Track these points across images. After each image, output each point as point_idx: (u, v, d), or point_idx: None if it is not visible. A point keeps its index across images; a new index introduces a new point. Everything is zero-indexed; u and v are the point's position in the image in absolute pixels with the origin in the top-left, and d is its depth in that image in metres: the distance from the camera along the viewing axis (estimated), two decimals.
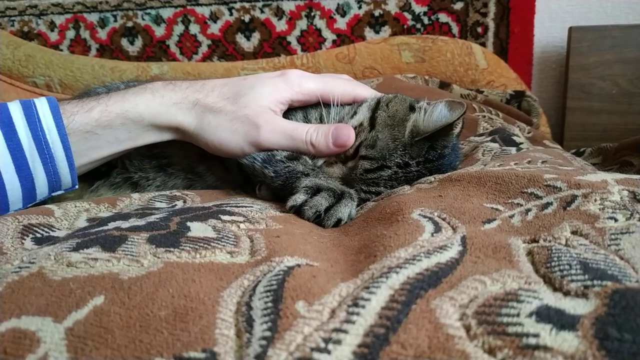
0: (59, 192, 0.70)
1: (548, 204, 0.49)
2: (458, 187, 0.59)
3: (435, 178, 0.64)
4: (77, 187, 0.70)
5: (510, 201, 0.51)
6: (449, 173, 0.65)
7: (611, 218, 0.43)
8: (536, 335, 0.27)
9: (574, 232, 0.42)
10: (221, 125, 0.72)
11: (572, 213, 0.45)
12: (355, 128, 0.72)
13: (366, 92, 0.81)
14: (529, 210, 0.48)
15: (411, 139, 0.70)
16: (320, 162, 0.73)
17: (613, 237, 0.40)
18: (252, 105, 0.72)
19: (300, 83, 0.75)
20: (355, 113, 0.75)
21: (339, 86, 0.78)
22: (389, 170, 0.69)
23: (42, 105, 0.65)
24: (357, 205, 0.65)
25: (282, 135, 0.71)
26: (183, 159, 0.84)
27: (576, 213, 0.45)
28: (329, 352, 0.28)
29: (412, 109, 0.75)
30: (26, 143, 0.63)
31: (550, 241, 0.40)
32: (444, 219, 0.48)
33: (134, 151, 0.79)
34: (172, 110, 0.72)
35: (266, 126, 0.71)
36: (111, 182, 0.84)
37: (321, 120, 0.77)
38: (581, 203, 0.47)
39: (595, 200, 0.47)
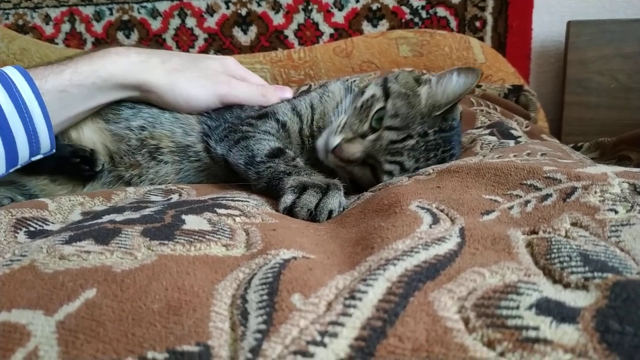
0: (39, 156, 0.72)
1: (547, 196, 0.48)
2: (456, 179, 0.58)
3: (433, 169, 0.64)
4: (54, 150, 0.74)
5: (509, 192, 0.51)
6: (447, 164, 0.65)
7: (611, 210, 0.43)
8: (536, 328, 0.27)
9: (573, 224, 0.41)
10: (191, 80, 0.84)
11: (572, 205, 0.45)
12: (366, 101, 0.77)
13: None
14: (528, 201, 0.48)
15: (430, 111, 0.74)
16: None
17: (613, 228, 0.39)
18: (212, 68, 0.88)
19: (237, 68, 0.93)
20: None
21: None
22: (412, 140, 0.72)
23: (11, 72, 0.68)
24: (384, 176, 0.73)
25: (242, 89, 0.88)
26: (171, 141, 0.85)
27: (576, 205, 0.45)
28: (325, 345, 0.28)
29: (417, 81, 0.79)
30: (5, 103, 0.65)
31: (549, 233, 0.40)
32: (442, 211, 0.47)
33: (124, 146, 0.82)
34: (139, 67, 0.81)
35: (228, 82, 0.88)
36: (103, 182, 0.83)
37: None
38: (581, 195, 0.46)
39: (596, 192, 0.46)
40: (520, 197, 0.50)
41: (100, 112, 0.84)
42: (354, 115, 0.77)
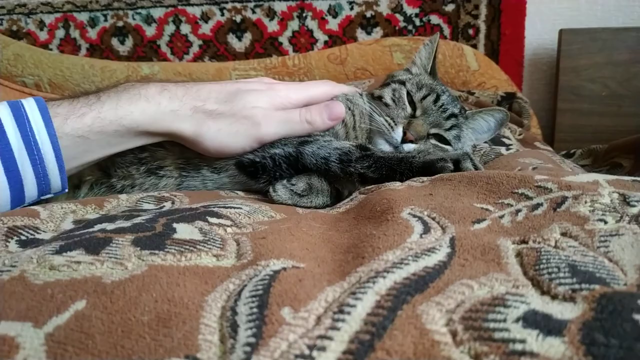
0: (49, 196, 0.68)
1: (538, 205, 0.48)
2: (449, 186, 0.58)
3: (427, 177, 0.64)
4: (66, 190, 0.70)
5: (500, 201, 0.51)
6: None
7: (601, 220, 0.43)
8: (523, 341, 0.27)
9: (563, 234, 0.41)
10: (222, 129, 0.75)
11: (562, 214, 0.45)
12: (394, 94, 0.90)
13: (346, 88, 0.91)
14: (519, 210, 0.48)
15: (428, 74, 0.98)
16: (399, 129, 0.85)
17: (602, 239, 0.40)
18: (249, 107, 0.76)
19: (288, 95, 0.80)
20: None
21: (319, 88, 0.85)
22: (444, 95, 0.91)
23: (30, 106, 0.64)
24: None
25: (279, 123, 0.77)
26: (176, 159, 0.84)
27: (566, 214, 0.45)
28: (313, 359, 0.28)
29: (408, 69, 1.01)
30: (15, 143, 0.62)
31: (539, 242, 0.40)
32: (433, 219, 0.47)
33: (119, 158, 0.79)
34: (169, 117, 0.73)
35: (265, 121, 0.76)
36: (95, 193, 0.83)
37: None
38: (571, 204, 0.47)
39: (586, 202, 0.47)
40: (512, 205, 0.50)
41: None
42: (392, 109, 0.87)
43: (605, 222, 0.43)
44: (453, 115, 0.89)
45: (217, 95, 0.76)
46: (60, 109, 0.67)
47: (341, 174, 0.72)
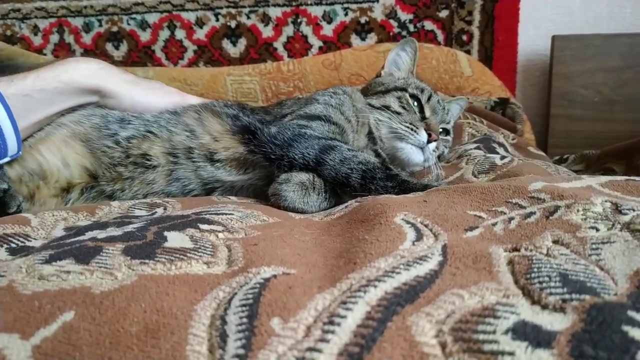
0: (6, 160, 0.75)
1: (531, 213, 0.48)
2: (443, 194, 0.58)
3: None
4: (20, 153, 0.78)
5: (494, 209, 0.51)
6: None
7: (593, 228, 0.43)
8: (511, 354, 0.27)
9: (555, 241, 0.41)
10: (147, 90, 0.95)
11: (554, 222, 0.45)
12: (400, 101, 0.99)
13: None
14: (512, 218, 0.48)
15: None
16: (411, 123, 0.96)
17: (594, 246, 0.40)
18: (158, 84, 1.01)
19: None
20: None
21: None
22: (435, 94, 1.03)
23: None
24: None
25: (190, 98, 1.00)
26: (164, 145, 0.85)
27: (558, 222, 0.45)
28: None
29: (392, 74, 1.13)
30: None
31: (531, 250, 0.40)
32: (426, 226, 0.47)
33: (105, 158, 0.83)
34: (101, 74, 0.88)
35: (178, 92, 1.01)
36: (86, 198, 0.83)
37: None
38: (564, 213, 0.47)
39: (578, 210, 0.47)
40: (505, 213, 0.50)
41: (79, 135, 0.85)
42: (406, 115, 0.96)
43: (597, 230, 0.43)
44: (447, 109, 1.04)
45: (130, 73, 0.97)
46: (4, 77, 0.78)
47: (359, 189, 0.71)
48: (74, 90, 0.85)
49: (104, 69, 0.89)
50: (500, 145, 1.07)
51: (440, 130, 1.00)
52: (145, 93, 0.94)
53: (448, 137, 1.05)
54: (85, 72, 0.86)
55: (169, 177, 0.83)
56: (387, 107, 0.96)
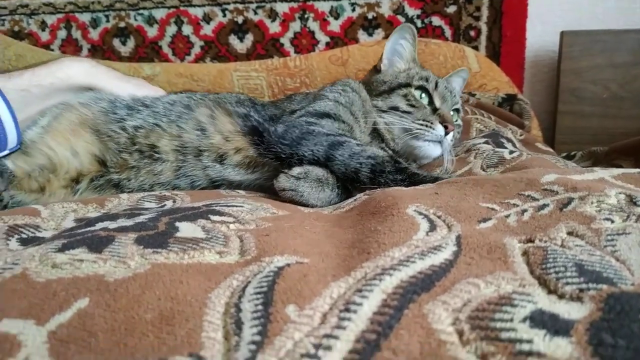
0: (5, 153, 0.78)
1: (544, 205, 0.48)
2: (455, 187, 0.58)
3: None
4: (19, 146, 0.82)
5: (506, 201, 0.51)
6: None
7: (607, 219, 0.43)
8: (530, 341, 0.27)
9: (570, 233, 0.41)
10: (135, 86, 1.01)
11: (568, 214, 0.45)
12: (408, 99, 0.97)
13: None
14: (525, 210, 0.48)
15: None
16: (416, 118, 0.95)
17: (609, 237, 0.39)
18: (142, 80, 1.09)
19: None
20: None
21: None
22: (442, 80, 1.03)
23: None
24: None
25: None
26: (172, 140, 0.85)
27: (572, 214, 0.45)
28: (319, 358, 0.27)
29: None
30: None
31: (546, 241, 0.40)
32: (439, 217, 0.47)
33: (114, 145, 0.84)
34: (93, 72, 0.95)
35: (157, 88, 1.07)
36: (94, 186, 0.83)
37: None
38: (578, 205, 0.46)
39: (592, 202, 0.46)
40: (518, 205, 0.50)
41: (87, 122, 0.86)
42: (417, 112, 0.94)
43: (612, 222, 0.43)
44: (454, 92, 1.02)
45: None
46: (1, 74, 0.83)
47: (369, 183, 0.71)
48: (69, 86, 0.91)
49: (95, 67, 0.97)
50: (509, 140, 1.06)
51: (452, 113, 1.00)
52: (135, 89, 0.99)
53: (459, 121, 1.05)
54: (79, 69, 0.93)
55: (177, 172, 0.84)
56: (395, 109, 0.95)
